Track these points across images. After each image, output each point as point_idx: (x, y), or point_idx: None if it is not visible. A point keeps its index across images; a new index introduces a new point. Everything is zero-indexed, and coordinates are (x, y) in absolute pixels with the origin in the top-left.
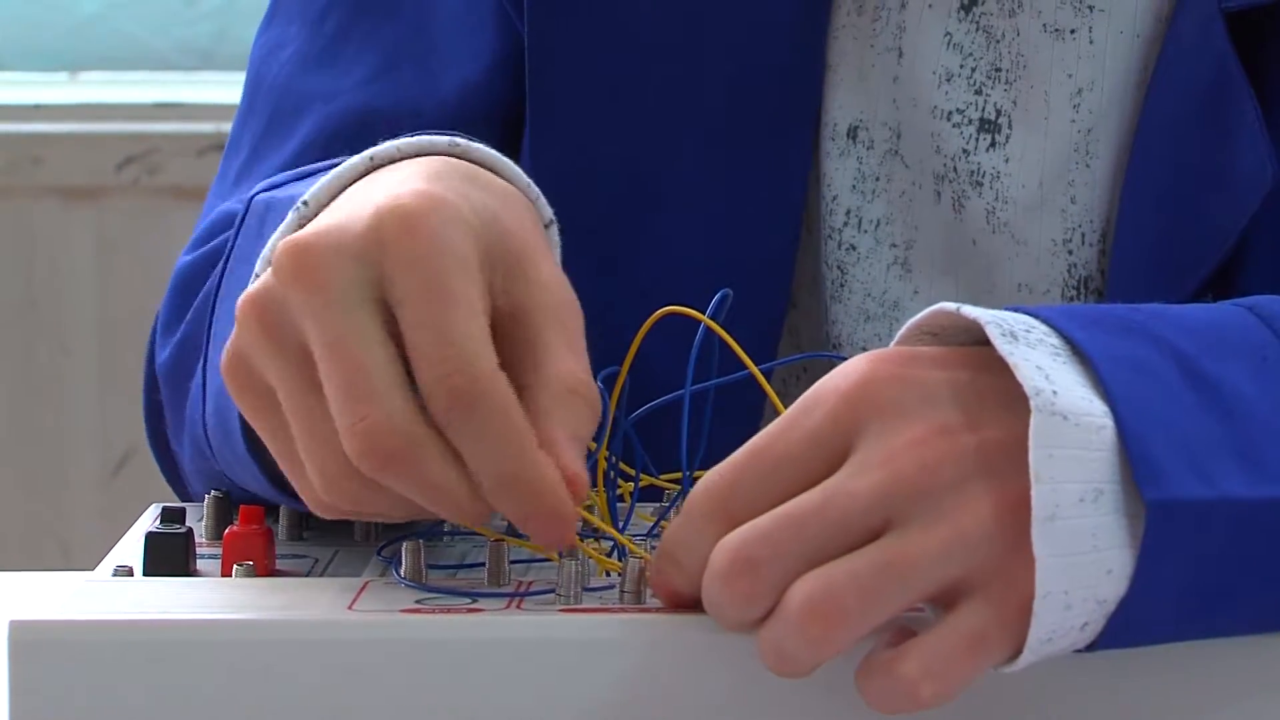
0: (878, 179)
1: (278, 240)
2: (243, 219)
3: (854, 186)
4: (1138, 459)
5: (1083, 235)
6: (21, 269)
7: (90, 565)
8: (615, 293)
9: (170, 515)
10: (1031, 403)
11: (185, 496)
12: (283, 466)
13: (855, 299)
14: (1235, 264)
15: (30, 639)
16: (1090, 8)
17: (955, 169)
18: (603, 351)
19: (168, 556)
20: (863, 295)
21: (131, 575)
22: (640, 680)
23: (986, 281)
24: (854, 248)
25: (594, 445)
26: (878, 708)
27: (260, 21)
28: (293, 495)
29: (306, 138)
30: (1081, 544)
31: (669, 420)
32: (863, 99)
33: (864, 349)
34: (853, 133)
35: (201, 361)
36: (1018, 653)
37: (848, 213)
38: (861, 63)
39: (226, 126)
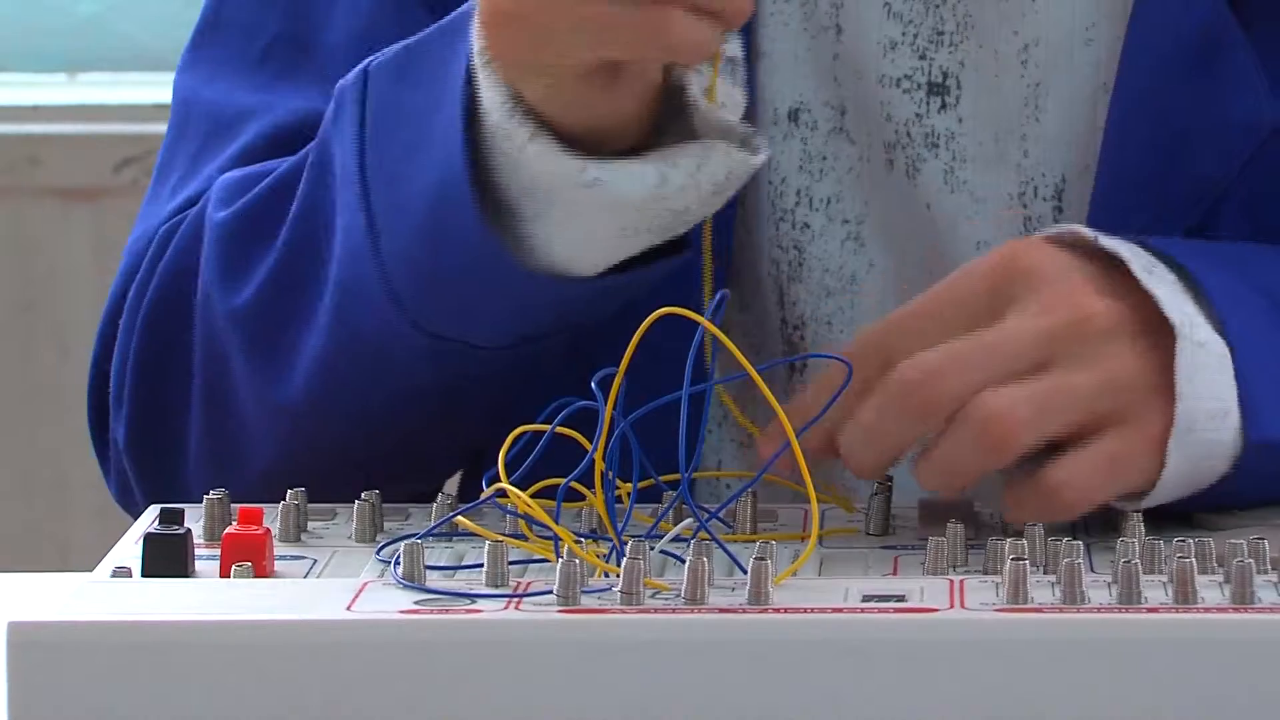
0: (824, 158)
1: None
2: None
3: (800, 167)
4: (1244, 397)
5: (1035, 189)
6: (19, 270)
7: (89, 567)
8: None
9: (169, 516)
10: (1176, 331)
11: (130, 501)
12: (603, 36)
13: (814, 276)
14: (1212, 214)
15: (29, 640)
16: None
17: (909, 134)
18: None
19: (166, 558)
20: (821, 272)
21: (130, 576)
22: (638, 681)
23: (944, 244)
24: (808, 226)
25: (589, 446)
26: (1021, 516)
27: (179, 61)
28: (538, 282)
29: (250, 141)
30: (1202, 454)
31: (666, 421)
32: (801, 81)
33: (828, 324)
34: (794, 115)
35: (366, 218)
36: (1147, 491)
37: (798, 193)
38: (796, 46)
39: None
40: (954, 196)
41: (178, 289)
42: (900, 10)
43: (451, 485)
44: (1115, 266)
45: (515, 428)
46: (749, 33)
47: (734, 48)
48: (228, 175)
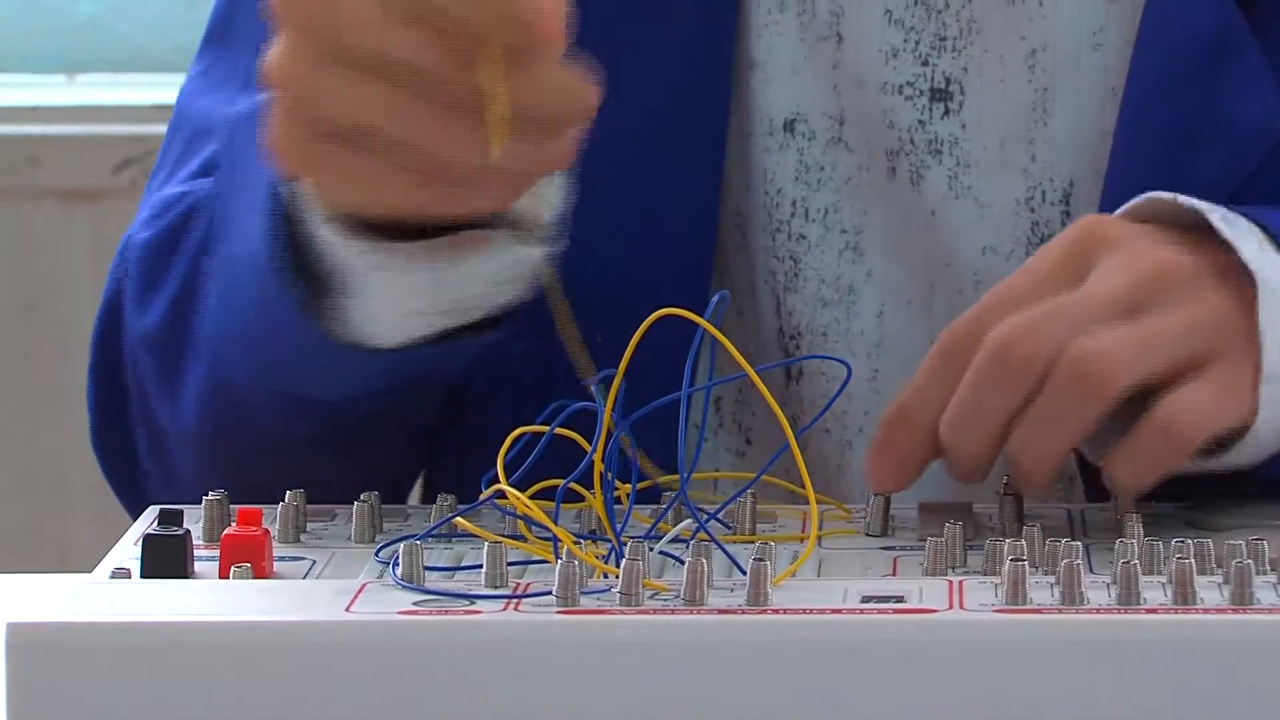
0: (822, 168)
1: None
2: (213, 155)
3: (797, 178)
4: None
5: (1044, 194)
6: (20, 271)
7: (88, 567)
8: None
9: (168, 517)
10: (1255, 276)
11: (138, 500)
12: (373, 191)
13: (810, 287)
14: None
15: (28, 641)
16: None
17: (912, 140)
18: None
19: (165, 559)
20: (817, 283)
21: (129, 577)
22: (638, 682)
23: (948, 250)
24: (804, 237)
25: (589, 447)
26: (1137, 470)
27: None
28: (353, 349)
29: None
30: None
31: (662, 422)
32: (798, 92)
33: (824, 335)
34: (790, 126)
35: (214, 280)
36: (1244, 429)
37: (793, 204)
38: (793, 56)
39: None
40: (959, 203)
41: (116, 305)
42: (902, 17)
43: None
44: (1197, 227)
45: (435, 452)
46: (725, 48)
47: None
48: (166, 191)
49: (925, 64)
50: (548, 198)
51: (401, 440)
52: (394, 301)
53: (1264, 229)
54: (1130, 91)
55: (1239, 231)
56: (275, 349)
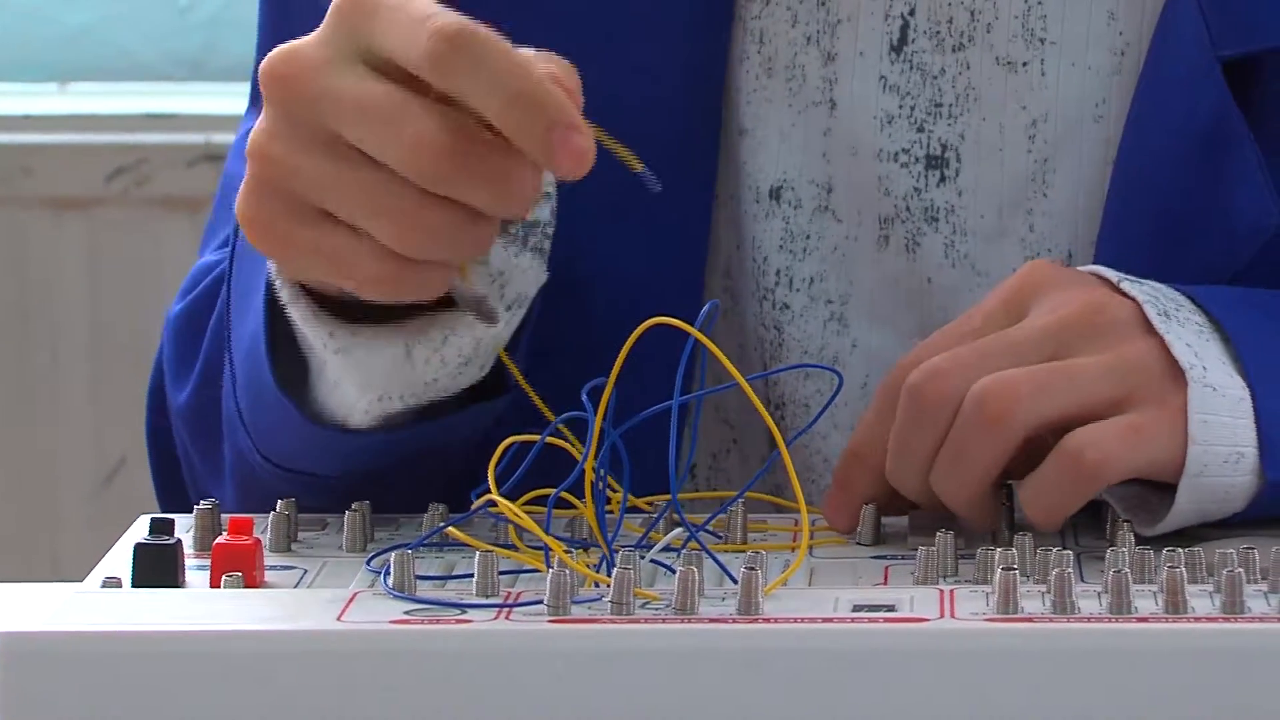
0: (808, 237)
1: None
2: (233, 244)
3: (781, 246)
4: (1266, 438)
5: None
6: (12, 279)
7: (80, 576)
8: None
9: (159, 526)
10: (1187, 375)
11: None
12: (334, 271)
13: (794, 356)
14: None
15: (19, 650)
16: (1041, 40)
17: (908, 208)
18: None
19: (156, 568)
20: (800, 353)
21: (120, 586)
22: (629, 691)
23: (944, 318)
24: (788, 306)
25: (580, 457)
26: (1050, 502)
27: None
28: (333, 429)
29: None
30: (1215, 496)
31: (655, 431)
32: (786, 158)
33: (806, 407)
34: (776, 193)
35: (228, 357)
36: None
37: (778, 273)
38: (781, 123)
39: (216, 137)
40: (955, 270)
41: (160, 374)
42: (897, 83)
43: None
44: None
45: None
46: (715, 110)
47: (543, 210)
48: (202, 260)
49: (921, 130)
50: (513, 276)
51: (443, 472)
52: (357, 384)
53: (1205, 315)
54: (1119, 170)
55: (1175, 321)
56: (268, 427)
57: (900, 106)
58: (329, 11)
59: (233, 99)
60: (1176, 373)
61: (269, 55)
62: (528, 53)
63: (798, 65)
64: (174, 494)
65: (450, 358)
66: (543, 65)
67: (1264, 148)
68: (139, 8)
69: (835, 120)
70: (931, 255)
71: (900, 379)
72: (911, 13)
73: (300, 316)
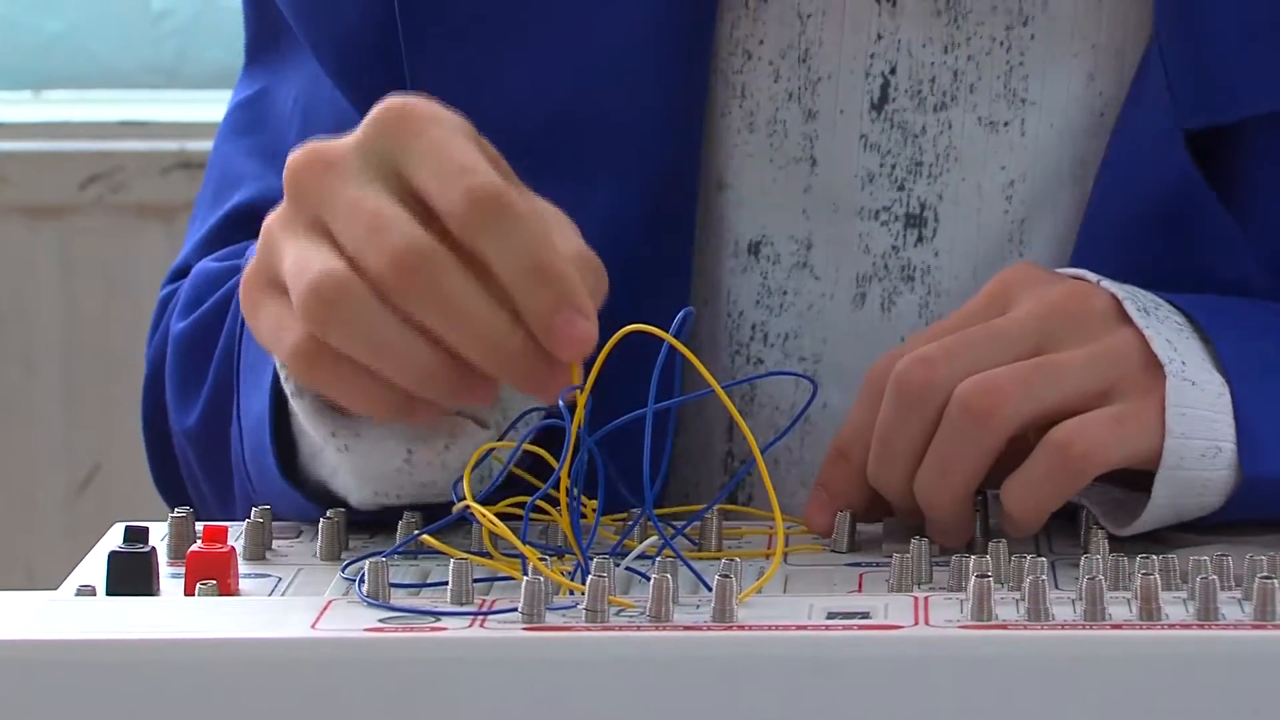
0: (785, 293)
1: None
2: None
3: (758, 301)
4: (1244, 433)
5: None
6: None
7: (54, 585)
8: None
9: (133, 534)
10: (1165, 369)
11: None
12: (340, 395)
13: (764, 413)
14: None
15: None
16: (1023, 100)
17: (886, 266)
18: None
19: (131, 576)
20: (771, 410)
21: (95, 595)
22: (603, 699)
23: None
24: (761, 361)
25: (555, 463)
26: (1035, 497)
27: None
28: (337, 503)
29: (232, 210)
30: (1192, 491)
31: (629, 438)
32: (766, 214)
33: (775, 462)
34: (754, 249)
35: (235, 408)
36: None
37: (753, 328)
38: (762, 179)
39: (191, 145)
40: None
41: (157, 390)
42: (877, 141)
43: None
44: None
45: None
46: (710, 163)
47: None
48: (203, 267)
49: (901, 189)
50: (514, 400)
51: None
52: (356, 478)
53: (1184, 315)
54: (1085, 233)
55: (1155, 319)
56: (275, 494)
57: (881, 165)
58: (369, 117)
59: (207, 106)
60: (1157, 365)
61: (296, 150)
62: (564, 222)
63: (779, 121)
64: (172, 486)
65: (451, 463)
66: (573, 241)
67: (1239, 213)
68: (113, 15)
69: (815, 177)
70: (906, 315)
71: (886, 369)
72: (892, 71)
73: (303, 411)
